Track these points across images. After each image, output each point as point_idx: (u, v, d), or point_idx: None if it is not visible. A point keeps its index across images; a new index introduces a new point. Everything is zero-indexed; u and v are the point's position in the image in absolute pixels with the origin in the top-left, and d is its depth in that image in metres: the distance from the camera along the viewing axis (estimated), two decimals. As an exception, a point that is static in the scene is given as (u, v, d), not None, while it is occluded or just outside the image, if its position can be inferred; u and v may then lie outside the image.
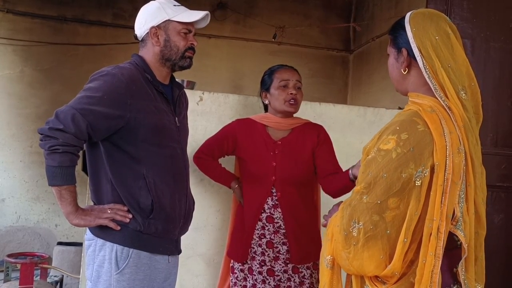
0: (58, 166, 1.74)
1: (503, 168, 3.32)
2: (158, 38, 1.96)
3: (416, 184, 1.32)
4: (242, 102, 2.93)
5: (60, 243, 4.82)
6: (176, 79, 2.15)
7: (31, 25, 6.00)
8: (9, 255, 3.81)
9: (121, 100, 1.81)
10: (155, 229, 1.88)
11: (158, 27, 1.96)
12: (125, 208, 1.84)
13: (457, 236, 1.36)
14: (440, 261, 1.31)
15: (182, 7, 2.01)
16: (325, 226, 1.54)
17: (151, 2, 2.03)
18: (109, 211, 1.83)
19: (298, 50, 6.66)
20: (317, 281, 2.41)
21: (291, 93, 2.40)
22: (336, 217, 1.43)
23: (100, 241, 1.87)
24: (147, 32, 1.97)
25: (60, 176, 1.75)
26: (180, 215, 1.98)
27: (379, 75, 5.85)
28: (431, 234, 1.32)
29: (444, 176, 1.32)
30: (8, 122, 5.90)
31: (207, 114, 2.86)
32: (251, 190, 2.46)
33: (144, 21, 1.97)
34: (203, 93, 2.88)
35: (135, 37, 2.03)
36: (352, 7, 6.90)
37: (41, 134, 1.76)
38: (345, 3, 6.91)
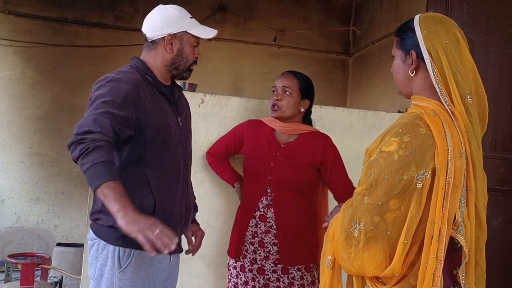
0: (92, 165, 1.64)
1: (502, 171, 3.33)
2: (172, 46, 1.99)
3: (417, 187, 1.33)
4: (243, 105, 2.94)
5: (59, 244, 4.81)
6: (177, 82, 2.17)
7: (32, 26, 6.02)
8: (10, 256, 3.81)
9: (129, 103, 1.83)
10: None
11: (175, 35, 1.99)
12: (176, 239, 1.65)
13: (457, 239, 1.37)
14: (442, 264, 1.32)
15: (195, 20, 2.06)
16: (326, 227, 1.56)
17: (168, 7, 2.04)
18: (156, 231, 1.62)
19: (298, 53, 6.68)
20: (309, 284, 2.43)
21: (273, 98, 2.49)
22: (337, 218, 1.44)
23: (102, 240, 1.88)
24: (162, 37, 1.99)
25: (96, 174, 1.65)
26: (181, 214, 2.00)
27: (378, 78, 5.87)
28: (432, 237, 1.32)
29: (446, 179, 1.33)
30: (8, 123, 5.90)
31: (209, 116, 2.87)
32: (248, 187, 2.52)
33: (161, 26, 1.98)
34: (204, 96, 2.90)
35: (145, 38, 2.04)
36: (352, 11, 6.93)
37: (70, 146, 1.71)
38: (345, 7, 6.94)
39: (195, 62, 2.07)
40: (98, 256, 1.89)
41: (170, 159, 1.96)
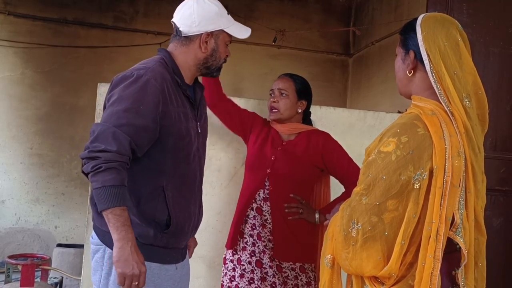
0: (102, 187, 1.60)
1: (502, 172, 3.34)
2: (207, 45, 1.89)
3: (415, 187, 1.33)
4: (243, 105, 2.93)
5: (59, 245, 4.82)
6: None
7: (32, 27, 6.01)
8: (10, 257, 3.80)
9: (156, 109, 1.73)
10: (166, 242, 1.83)
11: (211, 33, 1.89)
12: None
13: (456, 241, 1.37)
14: (440, 264, 1.32)
15: (231, 18, 1.96)
16: (326, 225, 1.56)
17: (206, 0, 1.91)
18: (135, 284, 1.66)
19: (298, 53, 6.68)
20: (304, 284, 2.42)
21: (271, 101, 2.53)
22: (336, 217, 1.44)
23: (109, 248, 1.77)
24: (198, 34, 1.88)
25: (103, 197, 1.60)
26: (193, 227, 1.94)
27: (378, 79, 5.87)
28: (430, 237, 1.33)
29: (443, 178, 1.33)
30: (8, 123, 5.90)
31: (209, 117, 2.85)
32: (248, 178, 2.55)
33: (199, 22, 1.86)
34: (204, 96, 2.90)
35: (177, 30, 1.91)
36: (352, 11, 6.93)
37: (83, 159, 1.66)
38: (345, 7, 6.94)
39: (225, 60, 1.98)
40: (104, 263, 1.79)
41: (188, 169, 1.87)
